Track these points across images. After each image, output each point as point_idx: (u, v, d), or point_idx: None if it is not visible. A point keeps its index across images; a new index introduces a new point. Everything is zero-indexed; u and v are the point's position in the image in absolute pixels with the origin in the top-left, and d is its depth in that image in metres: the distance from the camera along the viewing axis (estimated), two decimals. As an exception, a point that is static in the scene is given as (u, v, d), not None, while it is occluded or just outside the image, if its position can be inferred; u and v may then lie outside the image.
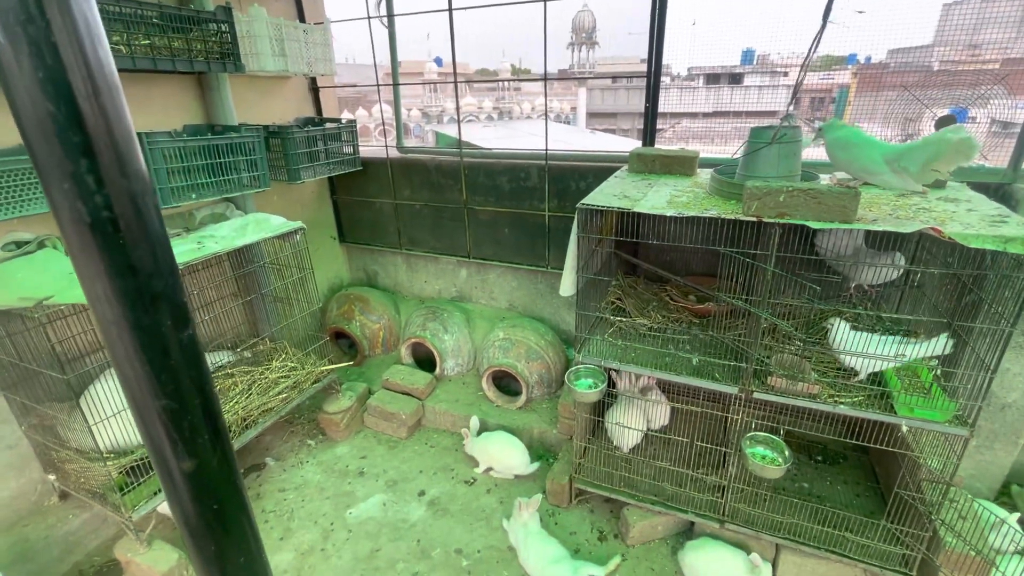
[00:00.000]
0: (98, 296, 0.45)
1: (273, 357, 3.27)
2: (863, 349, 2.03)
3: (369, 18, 3.60)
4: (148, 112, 2.86)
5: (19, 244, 2.24)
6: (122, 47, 2.26)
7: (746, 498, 2.45)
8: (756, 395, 2.17)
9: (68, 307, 2.30)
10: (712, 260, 2.96)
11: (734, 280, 2.29)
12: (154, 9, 2.45)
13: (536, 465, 3.06)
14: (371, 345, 4.10)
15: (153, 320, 0.48)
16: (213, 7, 2.78)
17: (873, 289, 2.51)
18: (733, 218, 1.96)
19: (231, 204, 3.22)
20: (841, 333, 2.09)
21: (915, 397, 1.94)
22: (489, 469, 3.12)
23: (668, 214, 2.04)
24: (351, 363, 3.97)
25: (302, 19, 3.66)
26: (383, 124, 4.28)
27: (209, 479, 0.56)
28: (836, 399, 2.06)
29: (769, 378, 2.17)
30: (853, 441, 2.20)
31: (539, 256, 3.66)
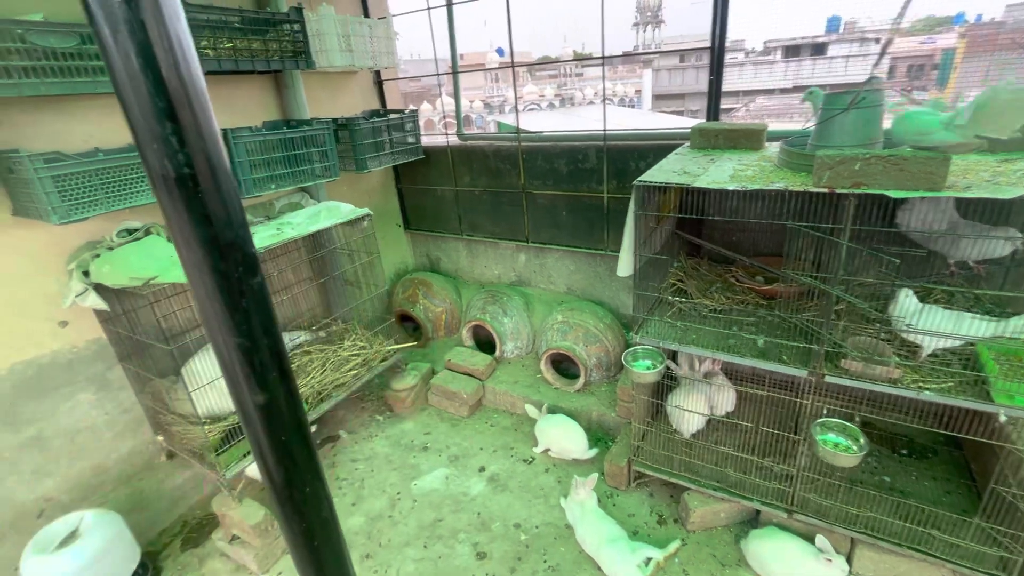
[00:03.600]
0: (183, 242, 0.52)
1: (344, 337, 3.49)
2: (930, 323, 1.87)
3: (429, 9, 3.69)
4: (232, 111, 3.12)
5: (130, 231, 2.54)
6: (209, 51, 2.48)
7: (817, 488, 2.33)
8: (828, 379, 2.05)
9: (170, 287, 2.58)
10: (781, 240, 2.80)
11: (803, 258, 2.15)
12: (235, 14, 2.66)
13: (594, 451, 3.06)
14: (434, 328, 4.26)
15: (227, 265, 0.54)
16: (287, 8, 2.98)
17: (979, 266, 2.27)
18: (802, 190, 1.84)
19: (305, 193, 3.45)
20: (905, 304, 1.95)
21: (1016, 383, 1.75)
22: (547, 450, 3.16)
23: (729, 188, 1.96)
24: (416, 344, 4.15)
25: (366, 14, 3.82)
26: (444, 116, 4.38)
27: (278, 412, 0.63)
28: (921, 384, 1.90)
29: (843, 361, 2.03)
30: (944, 432, 2.01)
31: (597, 239, 3.62)
